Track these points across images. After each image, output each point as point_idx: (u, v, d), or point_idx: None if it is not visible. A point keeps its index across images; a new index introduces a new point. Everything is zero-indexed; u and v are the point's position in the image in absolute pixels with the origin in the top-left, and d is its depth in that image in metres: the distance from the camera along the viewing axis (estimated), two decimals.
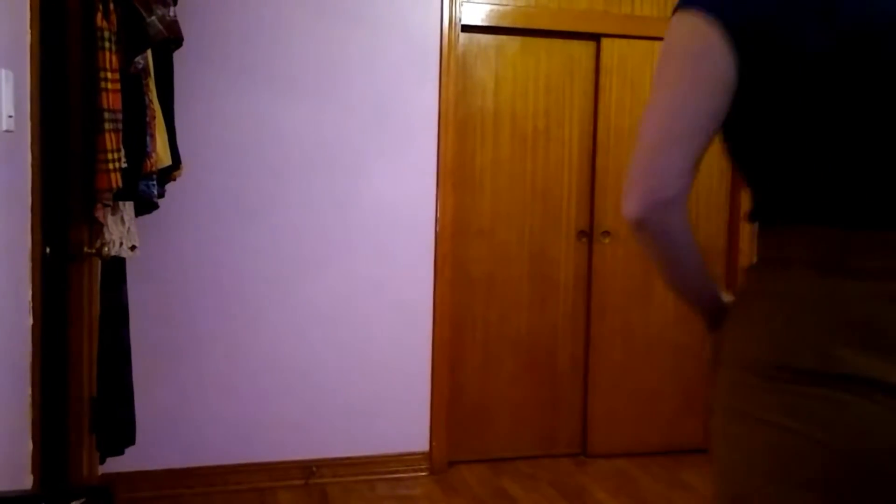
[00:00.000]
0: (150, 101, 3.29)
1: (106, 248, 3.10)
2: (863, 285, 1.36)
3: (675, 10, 1.48)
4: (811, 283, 1.40)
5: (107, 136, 2.88)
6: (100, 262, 3.32)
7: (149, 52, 3.29)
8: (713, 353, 1.62)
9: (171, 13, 3.31)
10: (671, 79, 1.46)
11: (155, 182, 3.39)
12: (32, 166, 2.59)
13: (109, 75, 2.89)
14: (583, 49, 4.73)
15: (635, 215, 1.47)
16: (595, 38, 4.73)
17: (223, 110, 4.25)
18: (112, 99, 2.90)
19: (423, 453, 4.63)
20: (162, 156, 3.46)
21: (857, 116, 1.37)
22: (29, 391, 2.63)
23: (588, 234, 4.84)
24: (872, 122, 1.37)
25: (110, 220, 3.18)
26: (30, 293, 2.61)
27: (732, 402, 1.47)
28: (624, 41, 4.75)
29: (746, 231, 4.96)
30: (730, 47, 1.40)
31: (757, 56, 1.39)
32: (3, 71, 2.34)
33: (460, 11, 4.50)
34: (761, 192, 1.52)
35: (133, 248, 3.34)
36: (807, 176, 1.42)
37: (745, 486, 1.42)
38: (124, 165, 3.03)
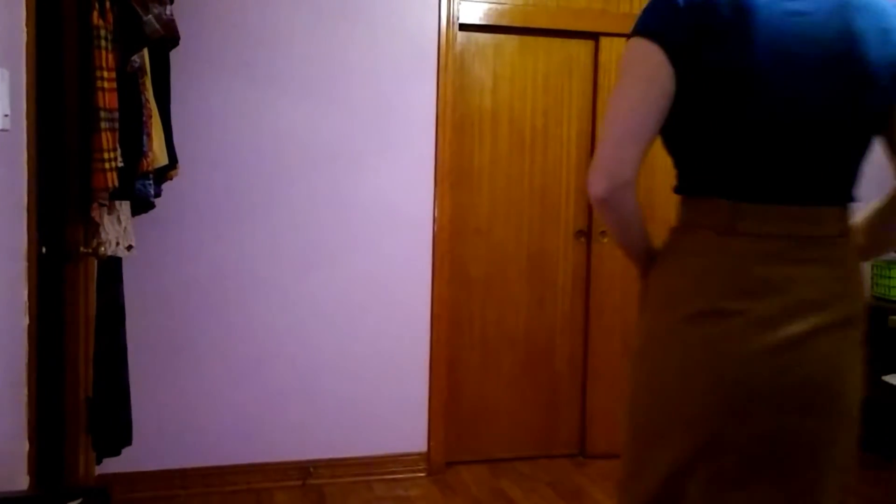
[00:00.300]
0: (147, 99, 3.30)
1: (102, 248, 3.10)
2: (745, 244, 1.88)
3: (629, 36, 1.91)
4: (710, 242, 1.92)
5: (103, 135, 2.88)
6: (96, 261, 3.32)
7: (145, 51, 3.29)
8: (642, 297, 2.11)
9: (168, 12, 3.31)
10: (628, 89, 1.91)
11: (151, 181, 3.39)
12: (28, 165, 2.59)
13: (106, 74, 2.89)
14: (581, 48, 4.74)
15: (602, 194, 1.94)
16: (594, 36, 4.73)
17: (220, 109, 4.26)
18: (108, 98, 2.91)
19: (420, 454, 4.63)
20: (158, 155, 3.46)
21: (748, 120, 1.86)
22: (25, 392, 2.63)
23: (586, 234, 4.84)
24: (759, 126, 1.86)
25: (106, 219, 3.18)
26: (25, 293, 2.61)
27: (655, 331, 1.99)
28: (622, 40, 4.73)
29: None
30: (669, 64, 1.84)
31: (685, 72, 1.85)
32: None
33: (458, 10, 4.50)
34: (682, 172, 2.03)
35: (129, 247, 3.34)
36: (711, 160, 1.92)
37: (662, 390, 1.93)
38: (120, 165, 3.03)
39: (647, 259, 2.15)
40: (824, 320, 1.89)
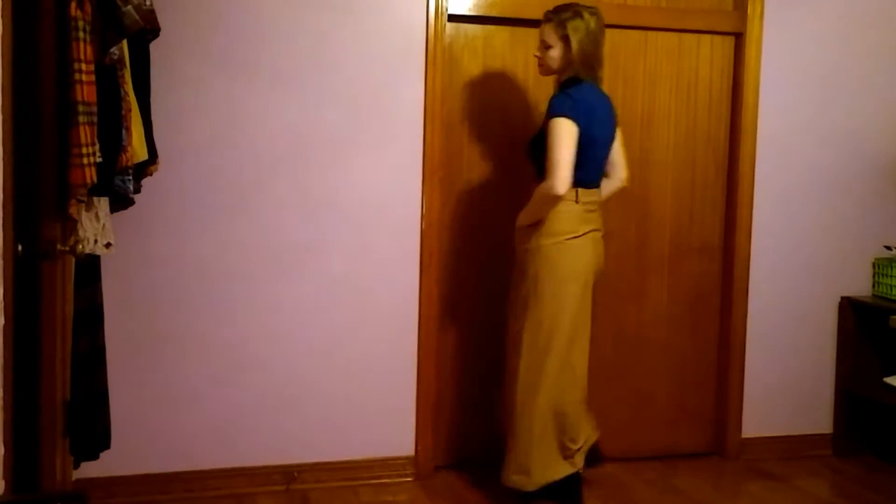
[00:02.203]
0: (126, 93, 3.30)
1: (80, 246, 3.11)
2: (585, 208, 4.13)
3: (558, 116, 3.95)
4: (574, 206, 4.09)
5: (81, 129, 2.88)
6: (73, 260, 3.32)
7: (124, 43, 3.29)
8: (536, 231, 4.15)
9: (148, 2, 3.31)
10: (566, 140, 3.93)
11: (131, 177, 3.39)
12: (3, 161, 2.59)
13: (83, 66, 2.89)
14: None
15: (561, 194, 3.93)
16: None
17: (201, 103, 4.26)
18: (86, 91, 2.90)
19: (408, 458, 4.65)
20: (138, 150, 3.46)
21: (590, 154, 4.05)
22: (0, 394, 2.63)
23: None
24: (593, 156, 4.11)
25: (84, 216, 3.18)
26: (1, 293, 2.61)
27: (551, 250, 4.11)
28: (616, 31, 4.77)
29: (744, 226, 5.01)
30: (578, 131, 3.95)
31: (581, 135, 3.96)
32: None
33: (447, 0, 4.51)
34: (575, 175, 3.96)
35: (108, 245, 3.35)
36: (577, 170, 3.96)
37: (571, 265, 4.15)
38: (99, 160, 3.03)
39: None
40: (601, 234, 4.26)
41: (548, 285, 4.12)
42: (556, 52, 4.10)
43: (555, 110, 3.97)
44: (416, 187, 4.56)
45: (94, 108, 2.97)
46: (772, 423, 5.23)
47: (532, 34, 4.30)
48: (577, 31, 4.04)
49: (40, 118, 2.93)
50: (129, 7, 3.12)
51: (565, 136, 3.90)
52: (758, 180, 5.03)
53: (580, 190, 4.06)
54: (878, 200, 5.25)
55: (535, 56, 4.18)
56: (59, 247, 2.99)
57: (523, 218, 4.18)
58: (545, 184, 3.96)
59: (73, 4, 2.87)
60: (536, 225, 4.11)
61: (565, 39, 4.06)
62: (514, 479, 4.22)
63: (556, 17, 4.08)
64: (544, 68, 4.18)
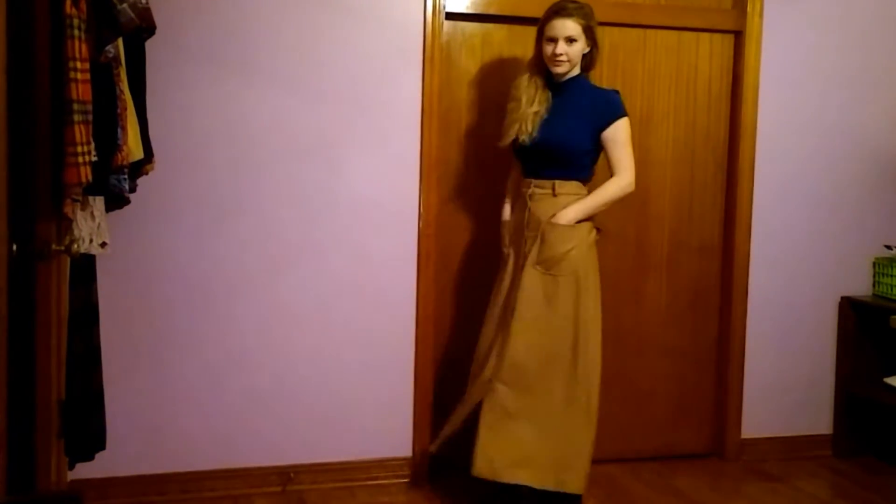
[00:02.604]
0: (122, 91, 3.30)
1: (75, 245, 3.10)
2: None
3: (625, 115, 4.14)
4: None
5: (76, 128, 2.88)
6: (69, 259, 3.32)
7: (120, 41, 3.29)
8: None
9: (144, 0, 3.31)
10: (630, 139, 4.16)
11: (126, 176, 3.39)
12: None
13: (79, 65, 2.89)
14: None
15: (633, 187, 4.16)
16: None
17: (197, 102, 4.27)
18: (81, 89, 2.90)
19: (405, 459, 4.66)
20: (133, 149, 3.46)
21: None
22: None
23: None
24: None
25: (80, 215, 3.18)
26: None
27: (593, 246, 4.21)
28: (616, 29, 4.78)
29: (744, 225, 5.02)
30: None
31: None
32: None
33: None
34: (590, 171, 4.23)
35: (103, 244, 3.35)
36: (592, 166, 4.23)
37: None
38: (94, 159, 3.03)
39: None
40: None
41: (593, 281, 4.19)
42: (580, 46, 4.10)
43: (620, 109, 4.13)
44: (413, 187, 4.56)
45: (90, 107, 2.97)
46: (771, 424, 5.24)
47: (530, 32, 4.29)
48: (596, 24, 4.14)
49: (35, 117, 2.93)
50: (125, 5, 3.12)
51: (630, 134, 4.14)
52: (757, 178, 5.04)
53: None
54: (879, 198, 5.27)
55: (557, 54, 4.07)
56: (54, 246, 2.99)
57: (573, 215, 4.09)
58: (622, 181, 4.12)
59: (69, 2, 2.87)
60: (580, 222, 4.13)
61: (589, 32, 4.10)
62: (571, 481, 4.12)
63: (579, 10, 4.08)
64: (569, 63, 4.12)
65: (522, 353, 4.07)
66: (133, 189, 3.67)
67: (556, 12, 4.08)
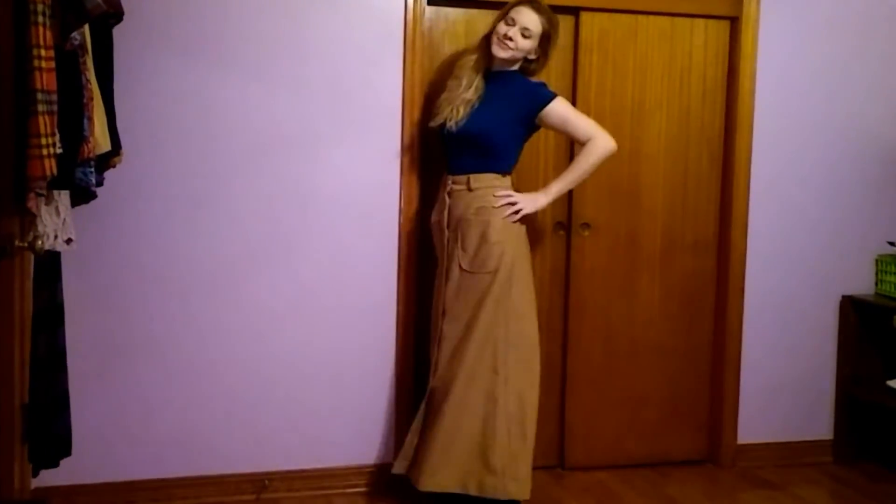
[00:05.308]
0: (88, 80, 3.32)
1: (39, 242, 3.12)
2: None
3: (555, 94, 4.24)
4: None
5: (40, 118, 2.89)
6: (32, 256, 3.34)
7: (86, 28, 3.31)
8: None
9: None
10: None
11: (93, 169, 3.41)
12: None
13: (43, 52, 2.90)
14: (560, 24, 4.75)
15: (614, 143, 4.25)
16: (574, 11, 4.80)
17: (168, 91, 4.28)
18: (46, 78, 2.92)
19: (384, 465, 4.67)
20: (100, 140, 3.48)
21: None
22: None
23: (566, 226, 4.92)
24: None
25: (44, 210, 3.20)
26: None
27: (521, 233, 4.33)
28: (605, 15, 4.81)
29: (740, 221, 5.06)
30: None
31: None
32: None
33: None
34: (510, 162, 4.35)
35: (69, 241, 3.37)
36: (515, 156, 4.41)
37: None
38: (59, 151, 3.04)
39: None
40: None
41: (522, 273, 4.30)
42: (531, 45, 4.23)
43: (548, 91, 4.26)
44: (393, 181, 4.59)
45: (55, 97, 2.98)
46: (769, 429, 5.28)
47: None
48: (556, 41, 4.31)
49: None
50: None
51: (572, 106, 4.39)
52: (754, 172, 5.08)
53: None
54: (882, 193, 5.31)
55: (508, 37, 4.16)
56: (16, 242, 3.01)
57: (555, 191, 4.32)
58: (602, 142, 4.20)
59: None
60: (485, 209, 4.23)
61: (545, 40, 4.25)
62: (512, 488, 4.19)
63: (549, 15, 4.22)
64: (513, 52, 4.20)
65: (448, 357, 4.20)
66: (100, 183, 3.69)
67: (528, 1, 4.19)
